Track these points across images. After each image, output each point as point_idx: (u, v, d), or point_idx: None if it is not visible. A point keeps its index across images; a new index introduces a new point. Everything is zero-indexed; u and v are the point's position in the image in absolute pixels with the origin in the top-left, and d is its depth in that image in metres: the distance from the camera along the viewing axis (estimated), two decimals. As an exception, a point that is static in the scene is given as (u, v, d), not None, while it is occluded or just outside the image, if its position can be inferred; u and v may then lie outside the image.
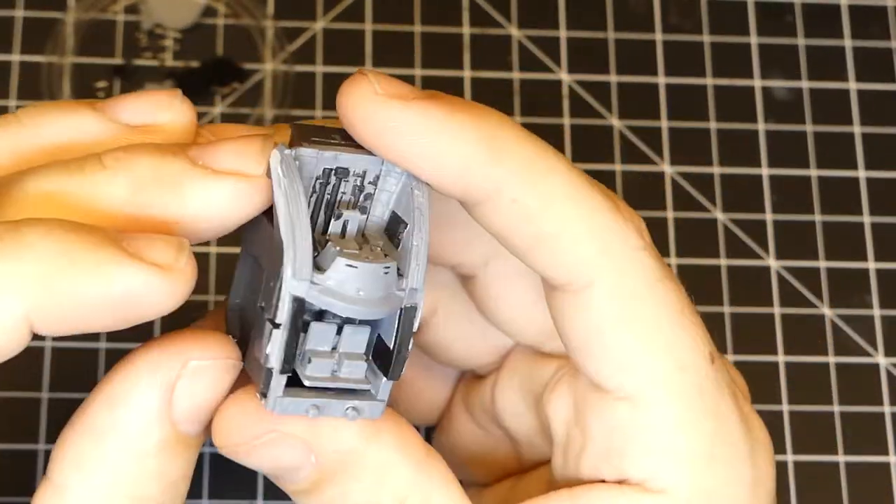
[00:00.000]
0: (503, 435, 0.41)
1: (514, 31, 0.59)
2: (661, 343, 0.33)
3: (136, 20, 0.58)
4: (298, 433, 0.32)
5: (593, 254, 0.33)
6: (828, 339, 0.55)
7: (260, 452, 0.33)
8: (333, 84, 0.57)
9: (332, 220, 0.32)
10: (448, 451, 0.42)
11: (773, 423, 0.54)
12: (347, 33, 0.58)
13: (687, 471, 0.33)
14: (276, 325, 0.30)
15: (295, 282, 0.30)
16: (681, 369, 0.33)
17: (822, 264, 0.56)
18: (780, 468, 0.53)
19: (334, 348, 0.32)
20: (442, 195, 0.33)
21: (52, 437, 0.51)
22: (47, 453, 0.51)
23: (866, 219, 0.57)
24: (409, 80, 0.58)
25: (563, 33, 0.59)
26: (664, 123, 0.58)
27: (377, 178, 0.32)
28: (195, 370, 0.31)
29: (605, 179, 0.57)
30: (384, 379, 0.32)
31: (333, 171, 0.32)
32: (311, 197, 0.32)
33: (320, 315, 0.32)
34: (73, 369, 0.52)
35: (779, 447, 0.54)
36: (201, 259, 0.54)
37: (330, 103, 0.57)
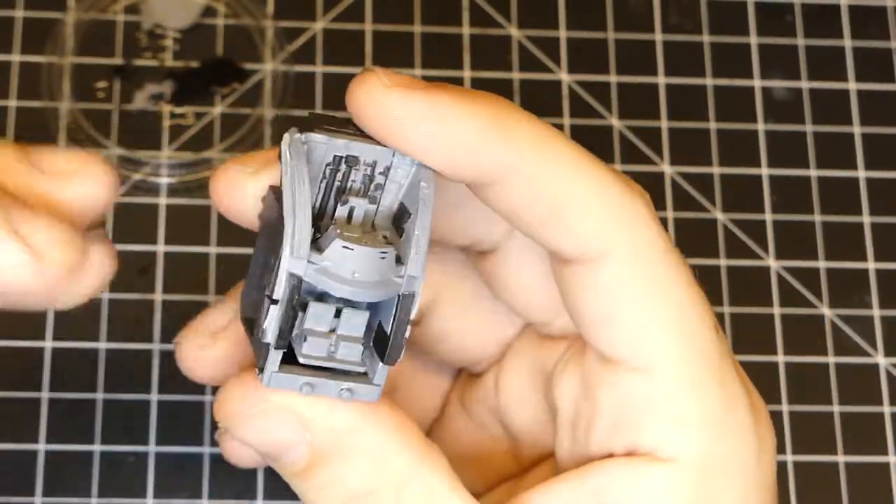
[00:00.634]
0: (502, 433, 0.41)
1: (514, 31, 0.59)
2: (672, 311, 0.34)
3: (136, 20, 0.58)
4: (292, 406, 0.33)
5: (606, 223, 0.34)
6: (828, 339, 0.55)
7: (254, 424, 0.33)
8: (333, 84, 0.57)
9: (339, 205, 0.33)
10: None
11: (773, 422, 0.54)
12: (347, 33, 0.58)
13: (697, 438, 0.34)
14: (274, 302, 0.31)
15: (292, 259, 0.31)
16: (691, 338, 0.34)
17: (822, 264, 0.56)
18: (780, 468, 0.53)
19: (333, 330, 0.32)
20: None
21: (52, 437, 0.51)
22: (47, 453, 0.51)
23: (866, 219, 0.57)
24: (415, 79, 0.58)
25: (563, 33, 0.59)
26: (664, 123, 0.58)
27: (387, 168, 0.33)
28: None
29: (605, 179, 0.57)
30: (381, 364, 0.32)
31: (344, 159, 0.33)
32: (320, 182, 0.33)
33: (321, 297, 0.32)
34: (73, 369, 0.52)
35: (779, 447, 0.53)
36: (201, 259, 0.54)
37: (330, 103, 0.57)
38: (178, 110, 0.56)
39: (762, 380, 0.55)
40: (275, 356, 0.32)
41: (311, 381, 0.32)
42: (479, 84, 0.58)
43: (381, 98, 0.32)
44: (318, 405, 0.33)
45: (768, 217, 0.57)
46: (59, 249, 0.31)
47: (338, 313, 0.32)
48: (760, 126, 0.58)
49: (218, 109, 0.57)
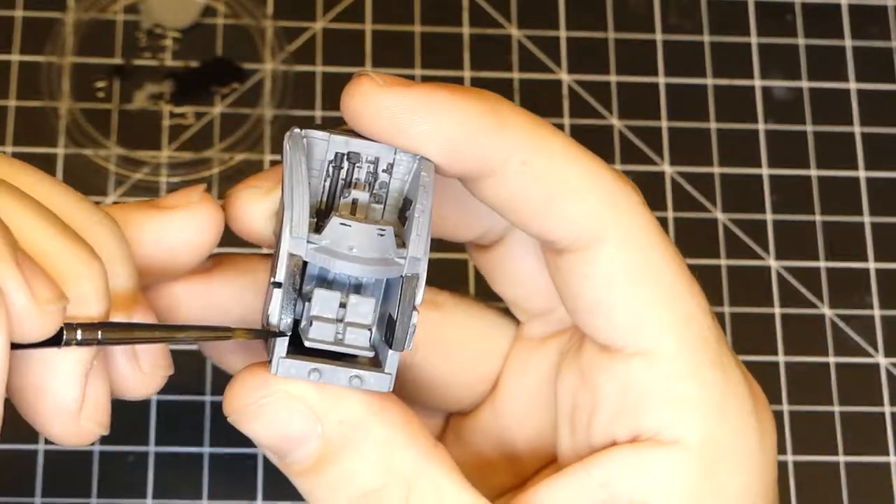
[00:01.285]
0: (500, 454, 0.40)
1: (514, 31, 0.59)
2: (668, 294, 0.34)
3: (135, 20, 0.58)
4: (302, 395, 0.33)
5: (601, 208, 0.34)
6: (828, 339, 0.55)
7: (266, 416, 0.33)
8: (333, 84, 0.57)
9: (342, 198, 0.33)
10: None
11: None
12: (347, 33, 0.58)
13: (699, 420, 0.34)
14: (277, 285, 0.31)
15: (292, 240, 0.31)
16: (689, 321, 0.34)
17: (822, 264, 0.56)
18: (781, 468, 0.53)
19: (340, 320, 0.32)
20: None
21: (52, 437, 0.51)
22: (47, 453, 0.51)
23: (866, 219, 0.57)
24: (409, 80, 0.58)
25: (563, 33, 0.59)
26: (664, 123, 0.58)
27: (390, 165, 0.33)
28: None
29: (605, 179, 0.57)
30: (390, 351, 0.32)
31: (346, 156, 0.33)
32: (324, 181, 0.33)
33: (328, 285, 0.33)
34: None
35: (779, 447, 0.54)
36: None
37: (330, 103, 0.57)
38: (178, 110, 0.56)
39: (762, 380, 0.54)
40: (281, 342, 0.32)
41: (319, 368, 0.32)
42: (479, 84, 0.58)
43: (376, 98, 0.33)
44: (327, 394, 0.33)
45: (768, 217, 0.57)
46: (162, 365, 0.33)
47: (344, 304, 0.33)
48: (760, 126, 0.58)
49: (218, 109, 0.57)
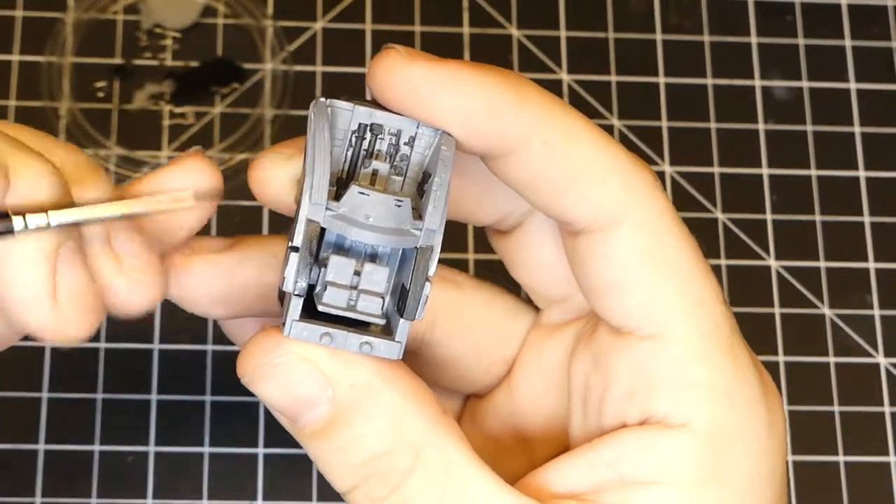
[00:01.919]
0: (514, 440, 0.41)
1: (514, 31, 0.59)
2: (683, 278, 0.35)
3: (136, 20, 0.58)
4: (313, 358, 0.33)
5: (619, 190, 0.34)
6: (828, 339, 0.55)
7: (278, 377, 0.34)
8: (333, 84, 0.57)
9: (363, 169, 0.34)
10: None
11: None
12: (347, 33, 0.58)
13: (708, 404, 0.34)
14: (295, 249, 0.32)
15: (311, 206, 0.32)
16: (701, 307, 0.35)
17: (822, 264, 0.56)
18: (780, 468, 0.53)
19: (354, 287, 0.33)
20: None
21: (52, 437, 0.51)
22: (47, 453, 0.51)
23: (866, 219, 0.57)
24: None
25: (563, 33, 0.59)
26: (664, 123, 0.58)
27: (412, 139, 0.34)
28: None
29: (605, 179, 0.57)
30: (401, 320, 0.33)
31: (369, 127, 0.34)
32: (346, 150, 0.34)
33: (344, 252, 0.33)
34: (73, 369, 0.52)
35: (779, 447, 0.54)
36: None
37: (330, 103, 0.57)
38: (178, 110, 0.56)
39: (762, 380, 0.55)
40: (295, 304, 0.32)
41: (331, 332, 0.33)
42: (479, 84, 0.58)
43: (402, 70, 0.33)
44: (339, 358, 0.33)
45: (768, 217, 0.57)
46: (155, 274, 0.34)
47: (359, 272, 0.33)
48: (760, 126, 0.58)
49: (218, 109, 0.57)
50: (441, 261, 0.33)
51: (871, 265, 0.57)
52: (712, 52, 0.59)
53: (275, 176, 0.36)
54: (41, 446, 0.51)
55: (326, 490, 0.51)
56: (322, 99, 0.33)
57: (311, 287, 0.33)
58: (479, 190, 0.37)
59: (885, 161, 0.58)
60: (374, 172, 0.34)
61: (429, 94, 0.33)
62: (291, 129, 0.56)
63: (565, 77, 0.58)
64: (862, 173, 0.58)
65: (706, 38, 0.60)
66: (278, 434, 0.50)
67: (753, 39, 0.60)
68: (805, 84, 0.59)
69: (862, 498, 0.53)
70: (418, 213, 0.33)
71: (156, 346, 0.52)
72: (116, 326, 0.52)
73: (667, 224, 0.35)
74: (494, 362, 0.40)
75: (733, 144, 0.58)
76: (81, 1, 0.57)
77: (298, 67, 0.57)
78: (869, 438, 0.54)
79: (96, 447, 0.51)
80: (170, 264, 0.37)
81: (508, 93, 0.34)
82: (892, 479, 0.54)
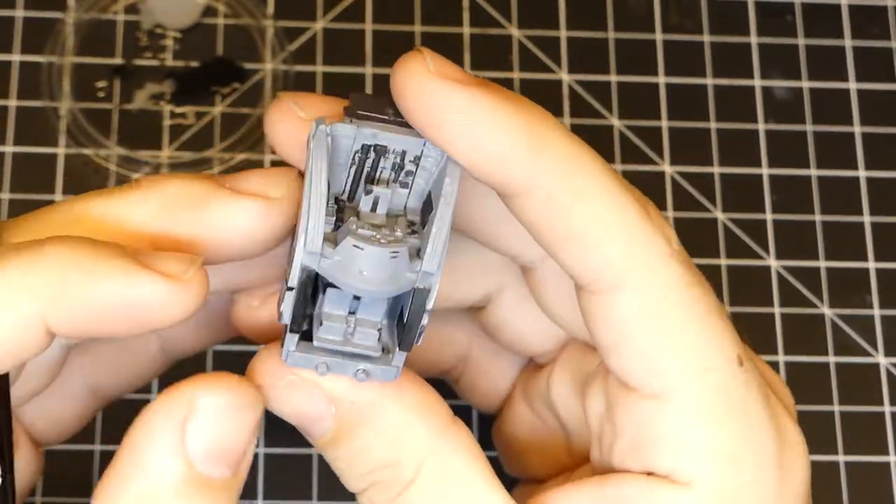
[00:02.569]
0: (558, 426, 0.41)
1: (514, 31, 0.59)
2: (687, 346, 0.34)
3: (136, 20, 0.58)
4: (317, 380, 0.34)
5: (620, 256, 0.34)
6: (828, 339, 0.55)
7: (283, 396, 0.34)
8: (333, 84, 0.57)
9: (364, 195, 0.33)
10: (507, 443, 0.43)
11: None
12: (347, 33, 0.58)
13: (711, 467, 0.34)
14: (290, 288, 0.32)
15: (306, 254, 0.31)
16: (706, 370, 0.34)
17: (822, 264, 0.56)
18: (780, 468, 0.53)
19: (352, 312, 0.33)
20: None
21: (53, 436, 0.51)
22: (47, 453, 0.51)
23: (866, 219, 0.57)
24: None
25: (563, 33, 0.59)
26: (664, 123, 0.58)
27: (417, 158, 0.33)
28: (205, 410, 0.33)
29: (605, 179, 0.57)
30: (398, 350, 0.33)
31: (373, 147, 0.33)
32: (350, 168, 0.33)
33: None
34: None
35: (779, 447, 0.54)
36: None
37: (330, 103, 0.57)
38: (179, 110, 0.56)
39: (762, 380, 0.55)
40: (292, 337, 0.33)
41: (328, 362, 0.33)
42: (479, 84, 0.58)
43: (421, 84, 0.32)
44: (342, 380, 0.34)
45: (768, 217, 0.57)
46: (191, 269, 0.32)
47: (356, 303, 0.33)
48: (760, 126, 0.58)
49: (218, 109, 0.57)
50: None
51: (871, 265, 0.57)
52: (712, 52, 0.59)
53: (293, 124, 0.35)
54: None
55: (327, 490, 0.51)
56: (322, 125, 0.32)
57: (308, 316, 0.33)
58: (490, 228, 0.37)
59: (885, 161, 0.58)
60: (376, 200, 0.33)
61: (440, 118, 0.32)
62: (291, 129, 0.56)
63: (565, 77, 0.58)
64: (862, 173, 0.58)
65: (706, 38, 0.60)
66: (278, 434, 0.50)
67: (753, 39, 0.60)
68: (805, 84, 0.59)
69: (862, 498, 0.53)
70: (416, 250, 0.32)
71: (156, 345, 0.52)
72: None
73: (674, 291, 0.34)
74: (546, 337, 0.41)
75: (733, 144, 0.58)
76: (82, 1, 0.57)
77: (298, 67, 0.57)
78: (869, 438, 0.54)
79: (96, 447, 0.51)
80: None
81: (523, 136, 0.33)
82: (892, 479, 0.54)
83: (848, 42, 0.60)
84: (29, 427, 0.39)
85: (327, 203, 0.32)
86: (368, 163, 0.33)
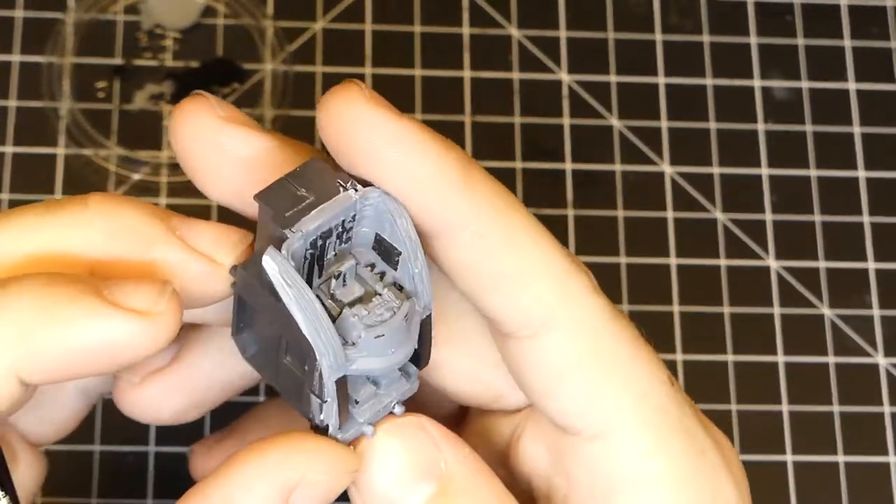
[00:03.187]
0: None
1: (514, 31, 0.59)
2: (621, 377, 0.34)
3: (136, 20, 0.58)
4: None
5: (551, 295, 0.33)
6: (828, 339, 0.55)
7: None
8: (333, 84, 0.57)
9: (333, 280, 0.33)
10: None
11: (773, 423, 0.54)
12: (347, 33, 0.58)
13: (673, 492, 0.34)
14: (325, 401, 0.32)
15: (334, 371, 0.31)
16: (643, 397, 0.34)
17: (822, 264, 0.56)
18: (781, 468, 0.53)
19: (374, 382, 0.33)
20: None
21: (53, 437, 0.51)
22: (47, 453, 0.51)
23: (866, 219, 0.57)
24: (409, 80, 0.58)
25: (563, 33, 0.59)
26: (664, 123, 0.58)
27: (354, 217, 0.33)
28: (316, 485, 0.32)
29: (605, 179, 0.57)
30: (414, 367, 0.34)
31: (317, 238, 0.32)
32: (304, 264, 0.32)
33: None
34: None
35: (779, 447, 0.54)
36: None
37: (330, 103, 0.57)
38: (178, 110, 0.56)
39: (762, 380, 0.55)
40: (343, 437, 0.33)
41: (370, 420, 0.33)
42: (479, 84, 0.58)
43: (357, 107, 0.32)
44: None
45: (768, 217, 0.57)
46: (161, 300, 0.31)
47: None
48: (760, 126, 0.58)
49: (218, 109, 0.56)
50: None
51: (871, 265, 0.57)
52: (712, 52, 0.59)
53: (207, 138, 0.35)
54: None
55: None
56: (280, 254, 0.31)
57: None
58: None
59: (885, 161, 0.58)
60: (344, 277, 0.33)
61: (375, 146, 0.31)
62: (291, 130, 0.56)
63: (565, 77, 0.58)
64: (862, 173, 0.58)
65: (706, 38, 0.60)
66: (278, 434, 0.50)
67: (753, 39, 0.60)
68: (805, 84, 0.59)
69: (862, 498, 0.53)
70: (399, 287, 0.32)
71: (156, 346, 0.52)
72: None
73: (600, 325, 0.33)
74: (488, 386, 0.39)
75: (733, 144, 0.58)
76: (81, 1, 0.57)
77: (298, 67, 0.57)
78: (869, 438, 0.54)
79: (96, 447, 0.51)
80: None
81: (457, 175, 0.32)
82: (892, 479, 0.54)
83: (847, 42, 0.60)
84: (24, 432, 0.39)
85: (330, 327, 0.31)
86: (317, 251, 0.32)
